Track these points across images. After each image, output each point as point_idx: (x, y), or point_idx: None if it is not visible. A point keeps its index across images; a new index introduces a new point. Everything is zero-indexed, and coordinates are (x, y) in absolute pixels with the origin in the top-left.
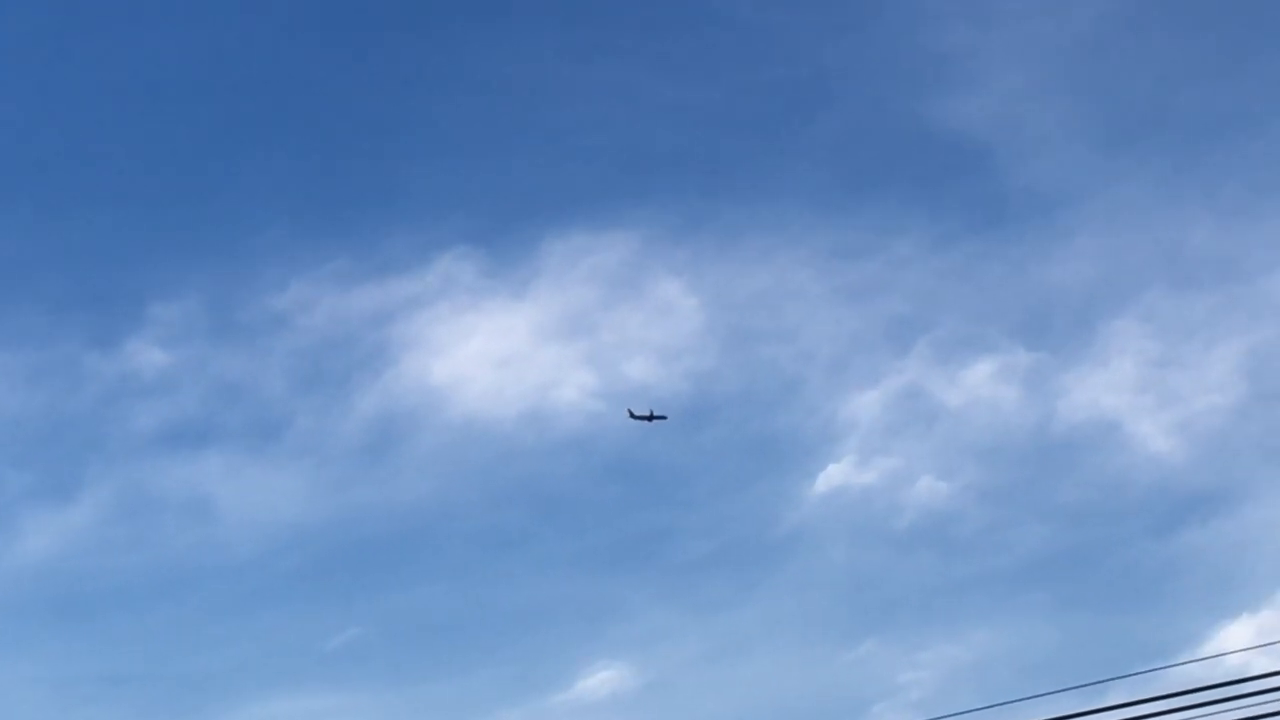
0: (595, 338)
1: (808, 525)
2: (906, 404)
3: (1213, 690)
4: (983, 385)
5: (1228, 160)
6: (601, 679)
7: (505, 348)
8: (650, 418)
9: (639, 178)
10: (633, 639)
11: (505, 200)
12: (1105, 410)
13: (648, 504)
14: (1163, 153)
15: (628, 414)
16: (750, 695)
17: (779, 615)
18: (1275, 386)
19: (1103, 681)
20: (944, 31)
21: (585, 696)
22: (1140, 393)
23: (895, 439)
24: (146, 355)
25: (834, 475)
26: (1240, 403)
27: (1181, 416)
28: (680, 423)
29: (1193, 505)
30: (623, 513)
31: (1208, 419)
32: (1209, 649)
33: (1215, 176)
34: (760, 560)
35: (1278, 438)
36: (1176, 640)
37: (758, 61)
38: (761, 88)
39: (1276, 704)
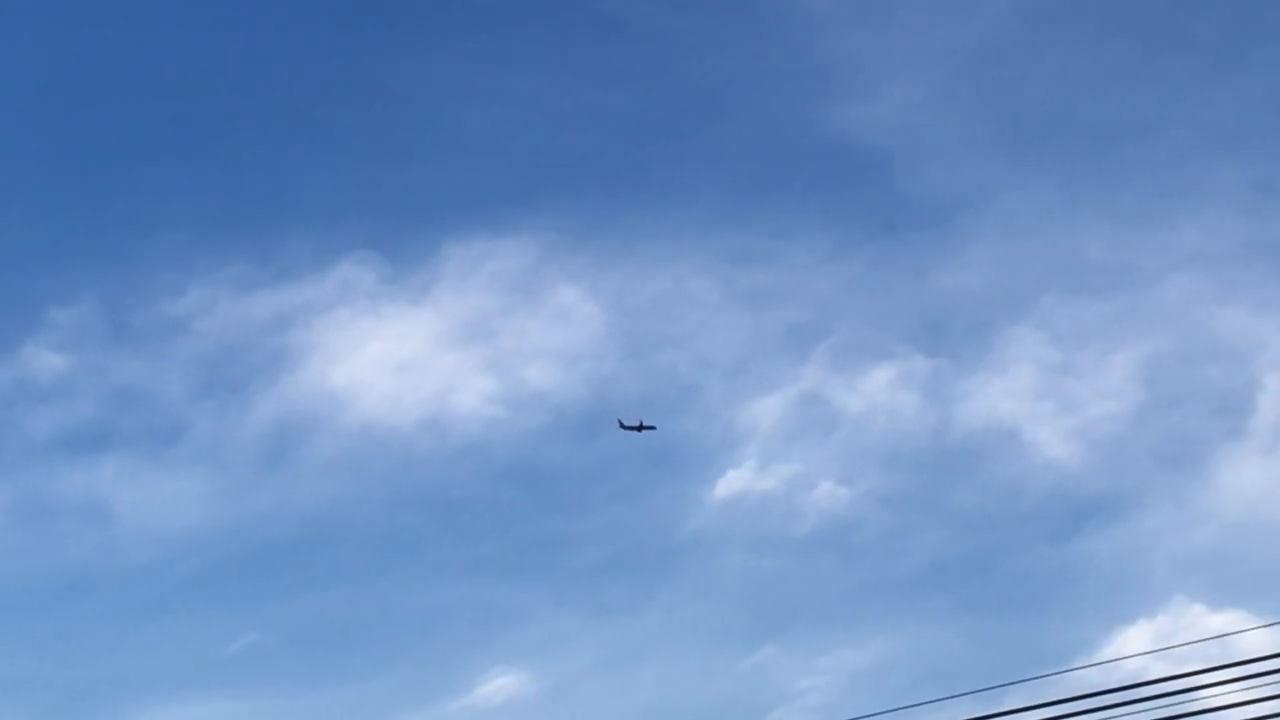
0: (494, 344)
1: (707, 531)
2: (806, 410)
3: (1109, 695)
4: (882, 391)
5: (1124, 168)
6: (499, 685)
7: (404, 353)
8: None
9: (539, 184)
10: (531, 644)
11: (405, 206)
12: (1003, 417)
13: (546, 510)
14: (1060, 160)
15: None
16: (648, 701)
17: (678, 621)
18: (1170, 393)
19: (1001, 686)
20: (844, 39)
21: (483, 702)
22: (1038, 399)
23: (795, 445)
24: (43, 360)
25: (733, 481)
26: (1136, 409)
27: (1078, 423)
28: (578, 429)
29: (1089, 511)
30: (521, 519)
31: (1104, 426)
32: (1106, 654)
33: (1112, 184)
34: (659, 566)
35: (1173, 444)
36: (1074, 645)
37: (658, 68)
38: (662, 94)
39: (1172, 708)
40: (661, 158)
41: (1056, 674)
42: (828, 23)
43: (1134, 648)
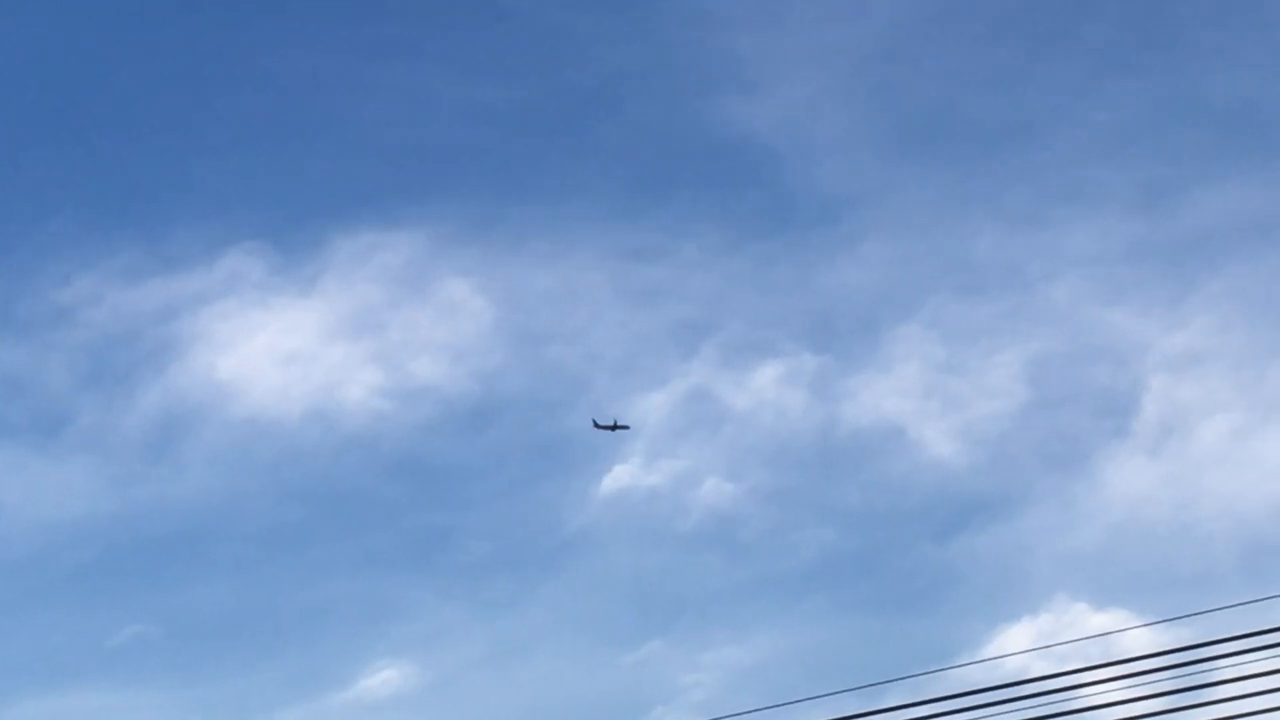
0: (382, 336)
1: (593, 526)
2: (693, 406)
3: (990, 692)
4: (769, 388)
5: (1013, 169)
6: (383, 678)
7: (292, 345)
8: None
9: (429, 176)
10: (415, 638)
11: (294, 197)
12: (889, 415)
13: (432, 503)
14: (950, 160)
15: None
16: (533, 695)
17: (563, 616)
18: (1056, 393)
19: (884, 683)
20: (735, 36)
21: (366, 696)
22: (924, 398)
23: (682, 441)
24: None
25: (620, 476)
26: (1021, 409)
27: (964, 422)
28: (465, 422)
29: (974, 510)
30: (407, 512)
31: (990, 425)
32: (988, 652)
33: (1001, 185)
34: (545, 561)
35: (1057, 443)
36: (957, 643)
37: (549, 63)
38: (553, 89)
39: (1054, 706)
40: (553, 153)
41: (938, 671)
42: (721, 20)
43: (1016, 646)
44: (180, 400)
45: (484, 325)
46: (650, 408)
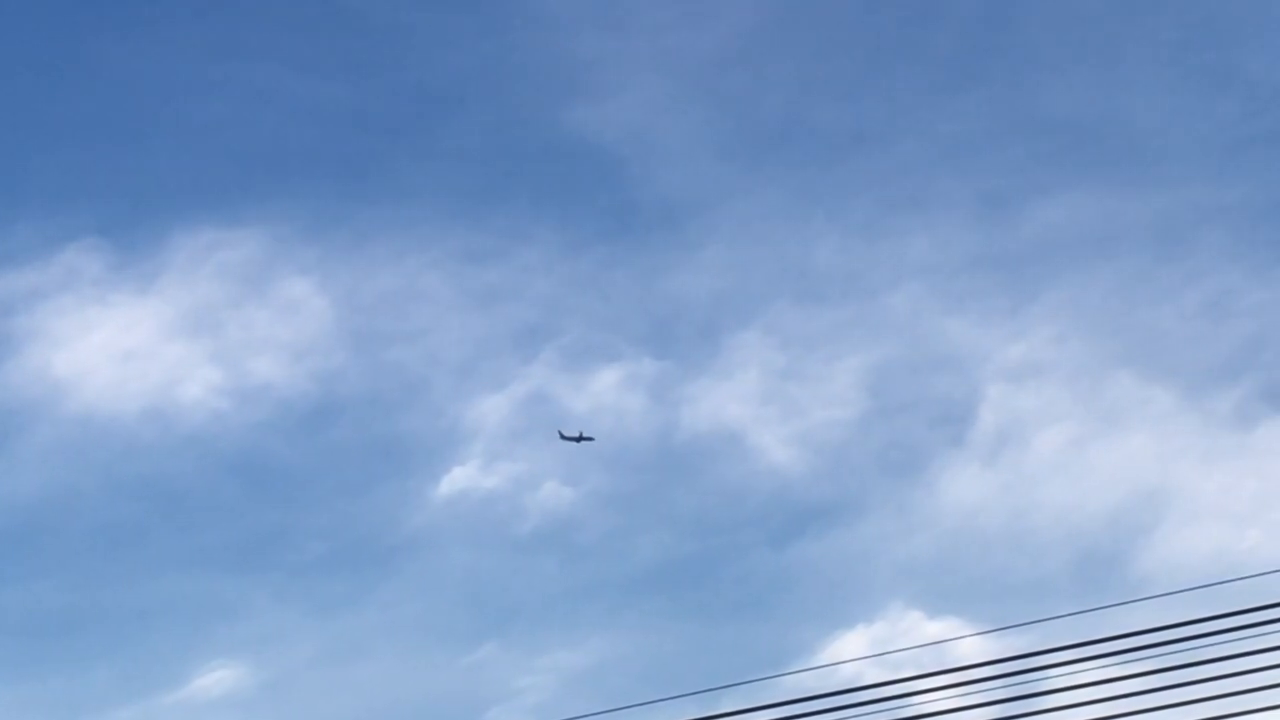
0: (221, 335)
1: (430, 528)
2: (533, 409)
3: (825, 699)
4: (609, 392)
5: (856, 177)
6: (217, 678)
7: (129, 342)
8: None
9: (271, 175)
10: (250, 638)
11: (134, 194)
12: (728, 420)
13: (268, 503)
14: (793, 168)
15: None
16: (368, 696)
17: (399, 617)
18: (894, 401)
19: (719, 688)
20: (582, 39)
21: (199, 695)
22: (763, 404)
23: (520, 444)
24: None
25: (458, 478)
26: (860, 417)
27: (803, 429)
28: (303, 422)
29: (812, 516)
30: (243, 511)
31: (828, 432)
32: (824, 658)
33: (843, 193)
34: (381, 562)
35: (895, 452)
36: (792, 649)
37: (394, 63)
38: (397, 89)
39: (887, 713)
40: (395, 153)
41: (774, 677)
42: (566, 23)
43: (851, 653)
44: (15, 396)
45: (324, 325)
46: (489, 410)
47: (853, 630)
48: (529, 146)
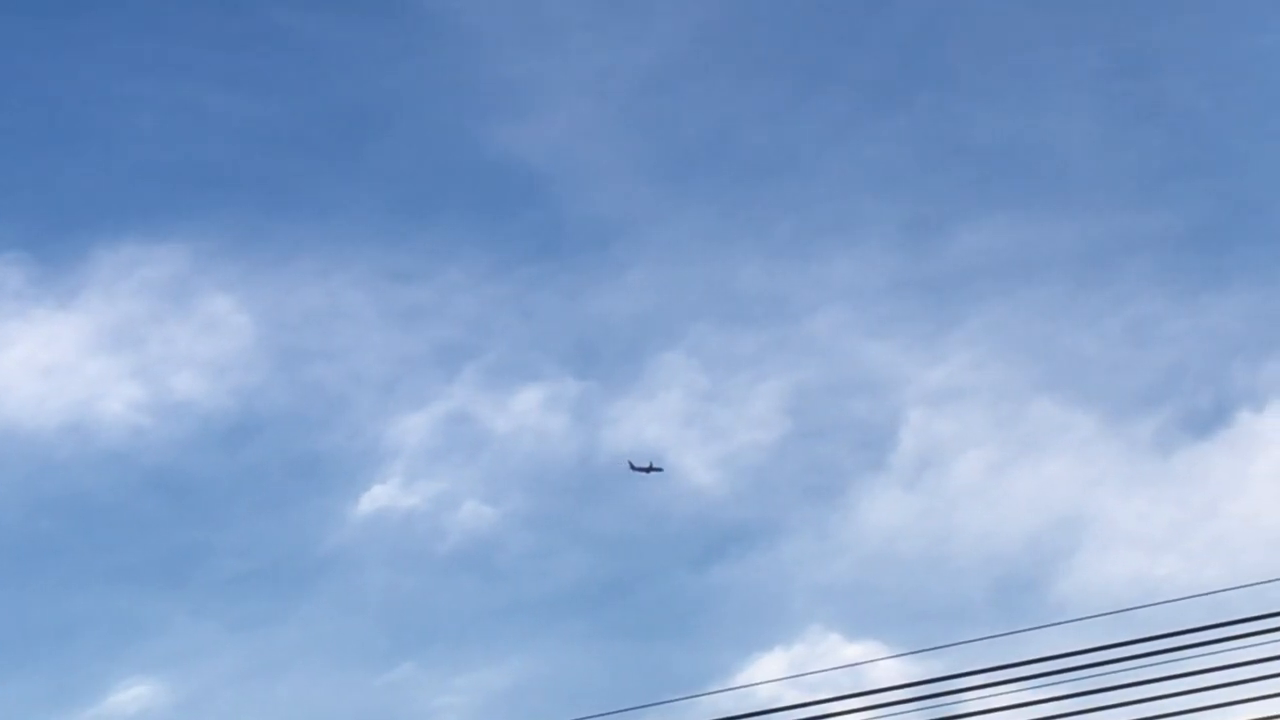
0: (143, 351)
1: (350, 546)
2: (454, 428)
3: (746, 719)
4: (531, 412)
5: (780, 201)
6: (133, 694)
7: (50, 357)
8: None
9: (195, 191)
10: (167, 655)
11: (57, 208)
12: (650, 442)
13: (188, 520)
14: (718, 190)
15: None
16: (284, 715)
17: (317, 636)
18: (815, 424)
19: (636, 708)
20: (510, 60)
21: (115, 712)
22: (685, 426)
23: (441, 463)
24: None
25: (378, 496)
26: (781, 439)
27: (725, 451)
28: (224, 439)
29: (732, 539)
30: (162, 527)
31: (750, 454)
32: (742, 679)
33: (768, 216)
34: (300, 580)
35: (815, 475)
36: (711, 670)
37: (320, 81)
38: (323, 107)
39: None
40: (320, 171)
41: (692, 697)
42: (494, 43)
43: (771, 674)
44: None
45: (245, 342)
46: (410, 429)
47: (771, 652)
48: (455, 165)
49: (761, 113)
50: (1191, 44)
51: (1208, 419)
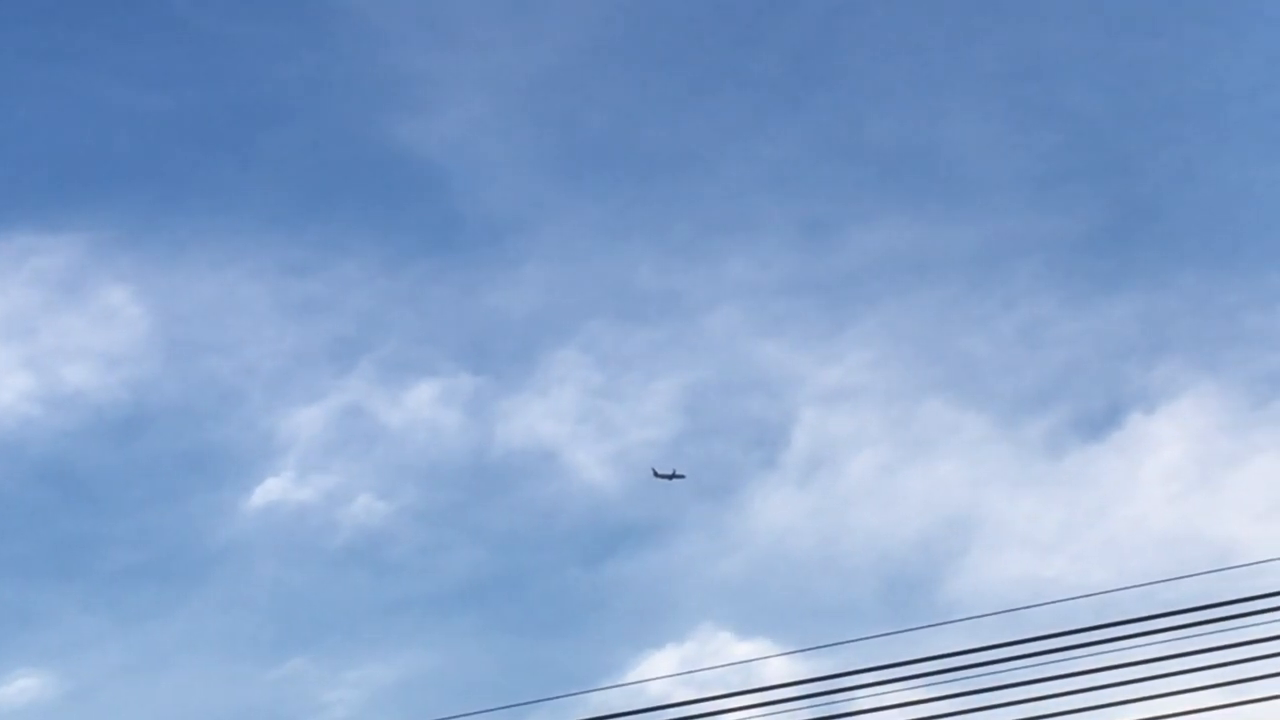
0: (35, 341)
1: (242, 540)
2: (348, 422)
3: (632, 716)
4: (425, 407)
5: (677, 199)
6: (20, 687)
7: None
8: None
9: (90, 182)
10: (56, 647)
11: None
12: (543, 438)
13: (77, 511)
14: (616, 187)
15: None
16: (174, 708)
17: (208, 629)
18: (709, 422)
19: (526, 704)
20: (407, 54)
21: (2, 704)
22: (579, 422)
23: (334, 457)
24: None
25: (271, 490)
26: (675, 436)
27: (618, 448)
28: (116, 430)
29: (625, 536)
30: (51, 519)
31: (643, 451)
32: (632, 677)
33: (664, 214)
34: (191, 573)
35: (709, 473)
36: (602, 667)
37: (217, 72)
38: (220, 99)
39: None
40: (217, 163)
41: (581, 693)
42: (392, 38)
43: (660, 672)
44: None
45: (139, 333)
46: (304, 422)
47: (663, 650)
48: (351, 159)
49: (659, 111)
50: (1086, 48)
51: (1099, 421)
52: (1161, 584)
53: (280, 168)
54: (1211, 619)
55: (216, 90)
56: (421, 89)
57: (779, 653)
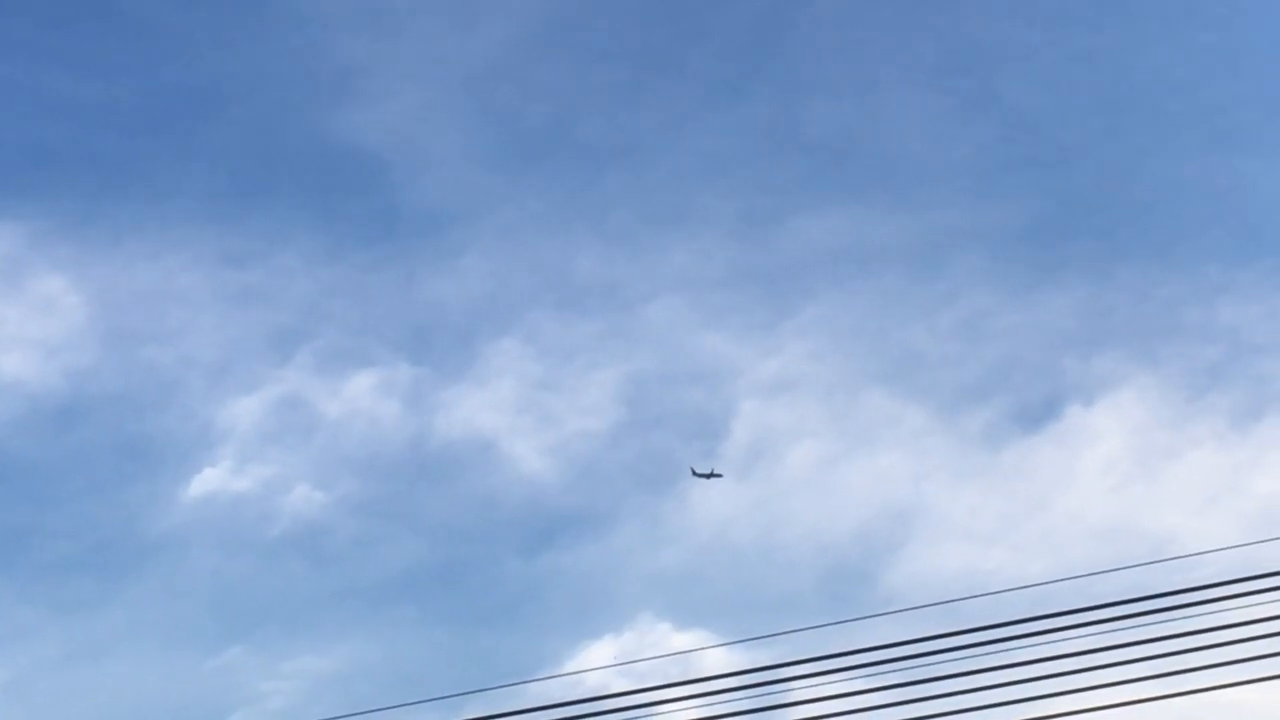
0: None
1: (178, 530)
2: (285, 413)
3: (570, 706)
4: (363, 397)
5: (617, 190)
6: None
7: None
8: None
9: (26, 171)
10: None
11: None
12: (482, 428)
13: (12, 501)
14: (556, 178)
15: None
16: (110, 699)
17: (144, 619)
18: (649, 414)
19: (463, 694)
20: (347, 43)
21: None
22: (518, 413)
23: (272, 447)
24: None
25: (209, 480)
26: (614, 428)
27: (557, 439)
28: (52, 420)
29: (563, 527)
30: None
31: (582, 442)
32: (570, 667)
33: (605, 205)
34: (128, 563)
35: (647, 464)
36: (540, 658)
37: (155, 61)
38: (158, 88)
39: None
40: (155, 152)
41: (519, 684)
42: (332, 27)
43: (598, 662)
44: None
45: (77, 322)
46: (242, 412)
47: (601, 640)
48: (291, 149)
49: (600, 102)
50: (1025, 41)
51: (1038, 413)
52: (1099, 575)
53: (219, 157)
54: (1148, 610)
55: (156, 79)
56: (361, 79)
57: (718, 643)
